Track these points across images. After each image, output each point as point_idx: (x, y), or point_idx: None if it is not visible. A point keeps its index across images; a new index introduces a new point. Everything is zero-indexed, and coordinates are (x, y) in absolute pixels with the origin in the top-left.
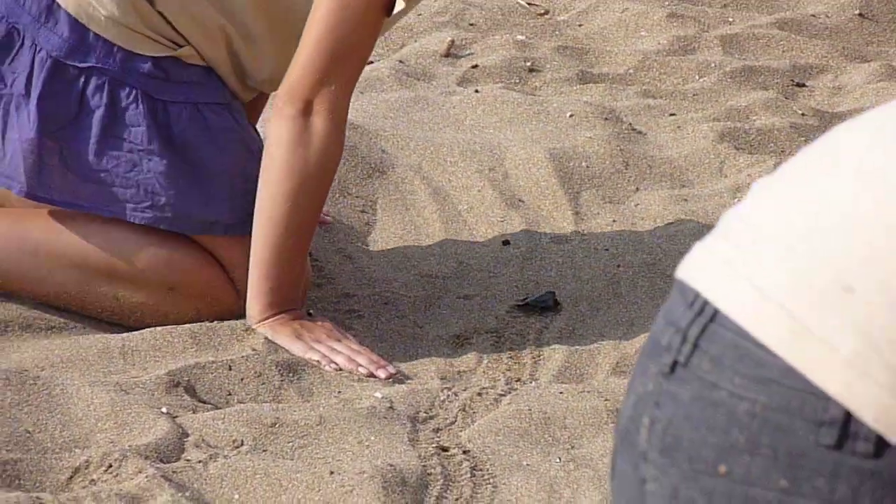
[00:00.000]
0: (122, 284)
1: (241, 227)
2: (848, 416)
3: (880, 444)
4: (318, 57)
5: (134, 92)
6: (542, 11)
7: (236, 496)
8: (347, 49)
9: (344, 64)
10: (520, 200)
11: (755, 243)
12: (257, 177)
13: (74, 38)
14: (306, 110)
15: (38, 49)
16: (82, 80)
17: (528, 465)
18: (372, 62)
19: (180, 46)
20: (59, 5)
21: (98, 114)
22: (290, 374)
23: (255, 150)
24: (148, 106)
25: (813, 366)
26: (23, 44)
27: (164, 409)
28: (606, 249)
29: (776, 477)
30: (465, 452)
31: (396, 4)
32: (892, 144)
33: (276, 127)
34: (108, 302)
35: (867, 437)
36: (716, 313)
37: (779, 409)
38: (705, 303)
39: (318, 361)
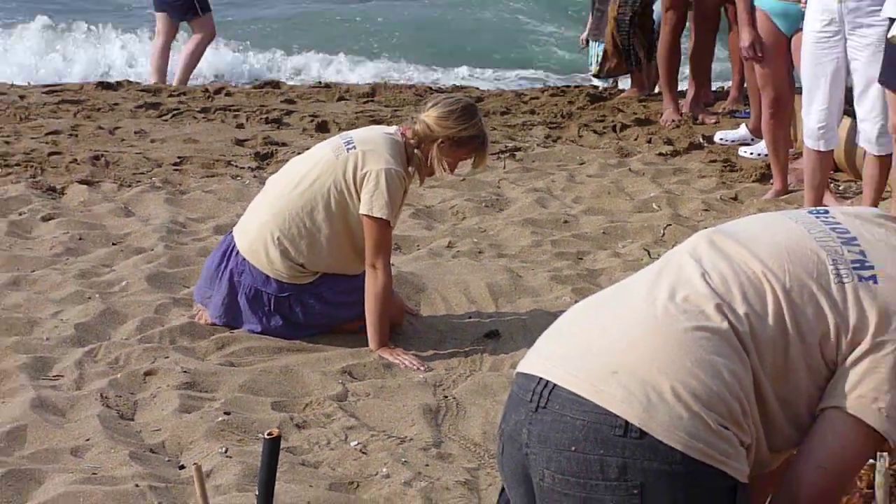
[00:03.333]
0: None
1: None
2: (627, 422)
3: (643, 432)
4: (372, 250)
5: (305, 296)
6: (482, 230)
7: (367, 413)
8: (381, 244)
9: (382, 250)
10: (474, 301)
11: (574, 357)
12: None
13: (278, 286)
14: (374, 269)
15: (302, 298)
16: (288, 301)
17: (478, 403)
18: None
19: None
20: (269, 276)
21: (299, 309)
22: (388, 368)
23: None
24: (316, 298)
25: (607, 404)
26: (271, 297)
27: (340, 381)
28: (508, 320)
29: (598, 449)
30: (454, 398)
31: (391, 221)
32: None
33: (366, 277)
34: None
35: (636, 430)
36: (554, 386)
37: (595, 422)
38: (547, 382)
39: (398, 363)
